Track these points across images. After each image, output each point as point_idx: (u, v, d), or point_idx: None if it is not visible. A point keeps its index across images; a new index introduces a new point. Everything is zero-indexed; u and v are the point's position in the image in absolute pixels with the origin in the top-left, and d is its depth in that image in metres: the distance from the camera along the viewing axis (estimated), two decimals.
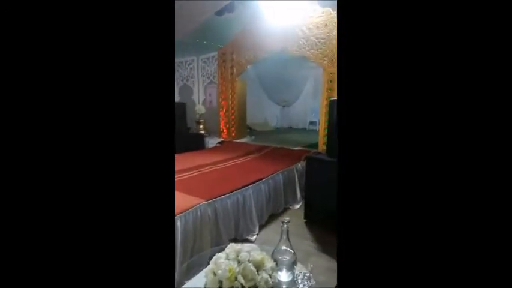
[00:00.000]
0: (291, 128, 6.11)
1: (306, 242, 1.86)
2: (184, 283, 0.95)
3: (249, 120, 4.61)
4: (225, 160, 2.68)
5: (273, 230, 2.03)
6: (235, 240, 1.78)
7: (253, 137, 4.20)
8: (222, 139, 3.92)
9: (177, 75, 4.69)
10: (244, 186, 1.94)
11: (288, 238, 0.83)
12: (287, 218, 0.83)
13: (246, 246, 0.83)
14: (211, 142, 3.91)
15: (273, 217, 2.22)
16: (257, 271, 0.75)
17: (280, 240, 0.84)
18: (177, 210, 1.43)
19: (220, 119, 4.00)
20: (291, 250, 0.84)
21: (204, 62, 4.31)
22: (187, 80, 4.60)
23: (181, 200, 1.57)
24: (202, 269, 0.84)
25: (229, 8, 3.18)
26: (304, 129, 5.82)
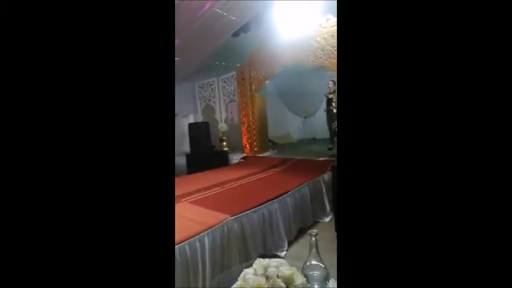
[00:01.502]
0: (314, 138, 5.98)
1: None
2: None
3: (271, 134, 4.61)
4: (249, 175, 2.68)
5: (302, 246, 1.94)
6: (264, 256, 1.73)
7: (275, 151, 4.18)
8: (245, 154, 3.95)
9: (199, 96, 4.95)
10: (269, 201, 1.90)
11: (317, 252, 0.79)
12: (315, 231, 0.80)
13: (274, 261, 0.80)
14: (235, 158, 3.96)
15: (302, 232, 2.13)
16: (287, 287, 0.71)
17: (309, 255, 0.80)
18: (204, 226, 1.44)
19: (242, 135, 4.06)
20: (321, 265, 0.79)
21: (224, 82, 4.49)
22: (209, 100, 4.81)
23: (208, 216, 1.58)
24: (232, 286, 0.83)
25: (244, 29, 3.34)
26: (328, 139, 5.67)
